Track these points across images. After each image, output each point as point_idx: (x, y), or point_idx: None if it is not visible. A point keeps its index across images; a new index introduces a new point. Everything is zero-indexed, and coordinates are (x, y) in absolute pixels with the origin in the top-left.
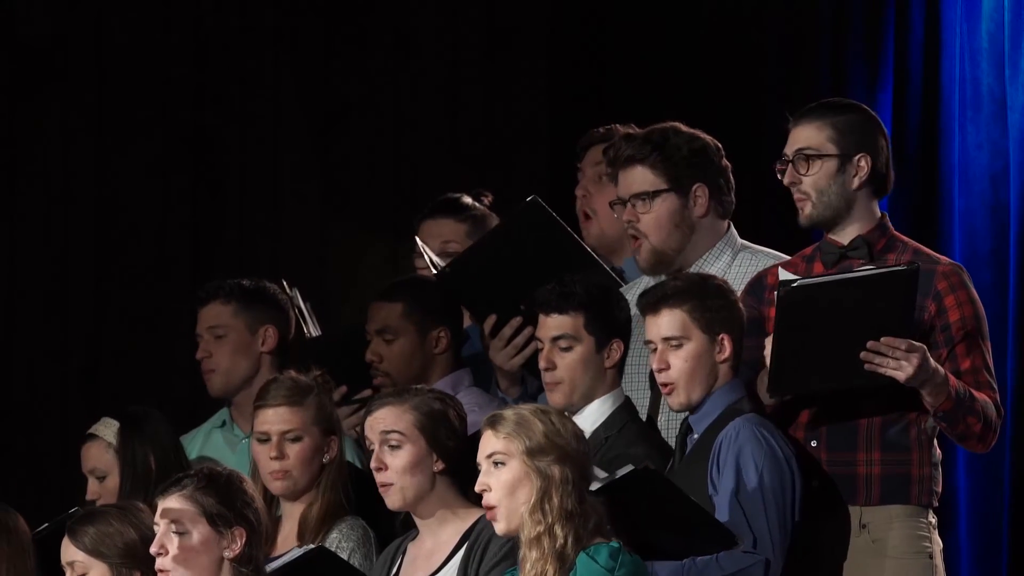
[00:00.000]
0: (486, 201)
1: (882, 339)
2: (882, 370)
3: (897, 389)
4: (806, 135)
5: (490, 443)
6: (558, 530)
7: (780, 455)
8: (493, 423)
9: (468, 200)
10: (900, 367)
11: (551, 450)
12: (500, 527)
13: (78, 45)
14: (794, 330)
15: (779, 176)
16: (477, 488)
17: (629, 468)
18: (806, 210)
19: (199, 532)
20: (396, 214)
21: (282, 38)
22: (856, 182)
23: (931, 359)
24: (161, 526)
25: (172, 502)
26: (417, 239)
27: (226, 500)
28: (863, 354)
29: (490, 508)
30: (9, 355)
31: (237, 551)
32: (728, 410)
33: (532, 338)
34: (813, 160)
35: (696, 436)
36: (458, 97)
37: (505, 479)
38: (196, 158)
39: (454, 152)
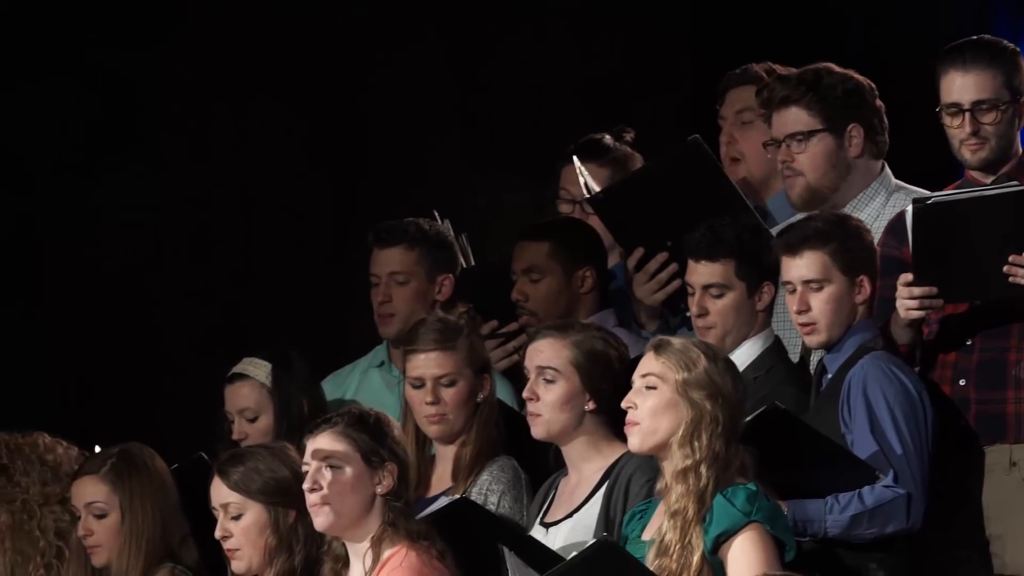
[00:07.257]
0: (627, 138)
1: None
2: None
3: None
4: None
5: (648, 364)
6: (703, 470)
7: (911, 389)
8: (658, 347)
9: (609, 141)
10: None
11: (707, 386)
12: (634, 442)
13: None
14: (932, 246)
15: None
16: (624, 404)
17: (760, 410)
18: (982, 153)
19: (353, 468)
20: (538, 156)
21: None
22: None
23: None
24: (313, 464)
25: (324, 441)
26: (575, 158)
27: (377, 437)
28: (1006, 268)
29: (632, 424)
30: (155, 298)
31: (390, 486)
32: (860, 349)
33: (676, 275)
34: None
35: (830, 376)
36: (598, 37)
37: (653, 403)
38: (337, 103)
39: (596, 92)
